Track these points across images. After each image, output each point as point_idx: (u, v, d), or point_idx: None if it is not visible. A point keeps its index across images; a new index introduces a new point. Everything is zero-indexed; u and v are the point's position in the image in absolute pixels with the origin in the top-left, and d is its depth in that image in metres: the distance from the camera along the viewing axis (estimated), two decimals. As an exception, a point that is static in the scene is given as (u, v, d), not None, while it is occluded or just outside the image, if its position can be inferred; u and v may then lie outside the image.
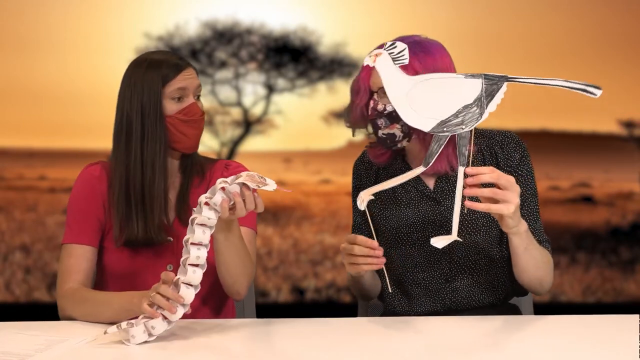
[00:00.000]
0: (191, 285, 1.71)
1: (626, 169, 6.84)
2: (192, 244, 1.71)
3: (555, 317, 1.87)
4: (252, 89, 6.65)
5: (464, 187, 1.72)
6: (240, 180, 1.70)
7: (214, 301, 2.10)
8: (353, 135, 2.06)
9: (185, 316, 2.05)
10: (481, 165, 2.02)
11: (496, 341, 1.74)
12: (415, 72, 1.86)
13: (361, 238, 1.84)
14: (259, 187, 1.70)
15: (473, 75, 1.70)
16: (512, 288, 2.07)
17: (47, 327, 1.86)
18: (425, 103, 1.70)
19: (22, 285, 5.78)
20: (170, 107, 2.00)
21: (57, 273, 2.06)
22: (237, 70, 6.61)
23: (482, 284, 2.03)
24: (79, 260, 2.01)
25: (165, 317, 1.71)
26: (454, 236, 1.73)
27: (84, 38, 6.48)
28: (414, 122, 1.72)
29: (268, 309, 5.53)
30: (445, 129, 1.69)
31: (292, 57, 6.55)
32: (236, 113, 6.66)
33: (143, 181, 1.99)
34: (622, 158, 6.90)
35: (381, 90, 1.92)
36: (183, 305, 1.70)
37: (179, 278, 1.71)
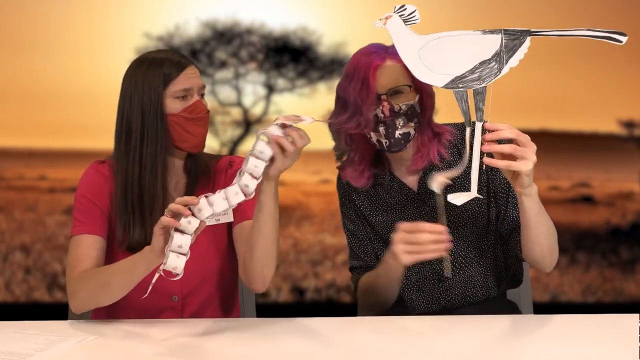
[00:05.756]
0: (226, 199, 1.71)
1: (626, 169, 6.83)
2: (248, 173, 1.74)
3: (555, 316, 1.87)
4: (252, 89, 6.64)
5: (482, 143, 1.70)
6: (277, 122, 1.72)
7: (214, 306, 2.08)
8: (339, 159, 2.09)
9: (186, 317, 2.05)
10: (456, 160, 2.03)
11: (496, 341, 1.74)
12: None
13: (427, 225, 1.81)
14: (296, 123, 1.72)
15: (492, 31, 1.69)
16: (505, 275, 2.08)
17: (47, 327, 1.85)
18: (438, 60, 1.70)
19: (22, 285, 5.77)
20: (174, 105, 1.96)
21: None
22: (237, 70, 6.61)
23: (474, 277, 2.04)
24: (87, 249, 1.96)
25: (182, 231, 1.69)
26: (473, 193, 1.72)
27: (84, 38, 6.47)
28: (427, 79, 1.71)
29: (268, 309, 5.52)
30: (460, 85, 1.69)
31: (292, 57, 6.54)
32: (236, 113, 6.65)
33: (141, 184, 1.96)
34: (622, 158, 6.89)
35: (391, 91, 1.93)
36: (199, 211, 1.69)
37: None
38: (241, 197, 1.72)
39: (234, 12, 6.38)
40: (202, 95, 2.01)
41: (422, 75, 1.71)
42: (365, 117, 1.95)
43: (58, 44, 6.46)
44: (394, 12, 1.73)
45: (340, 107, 1.99)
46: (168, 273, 1.70)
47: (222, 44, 6.50)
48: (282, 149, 1.74)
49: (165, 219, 1.70)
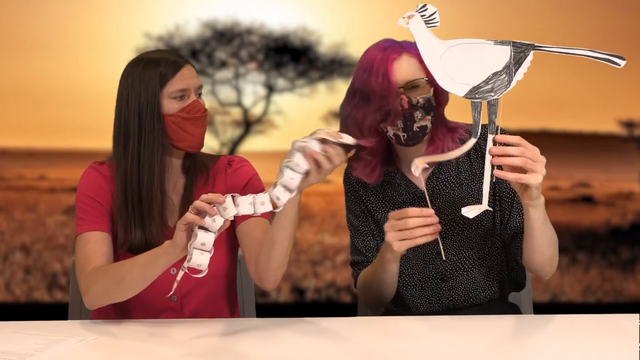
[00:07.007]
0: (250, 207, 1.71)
1: (626, 169, 6.83)
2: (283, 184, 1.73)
3: (555, 316, 1.87)
4: (252, 89, 6.64)
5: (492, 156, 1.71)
6: (317, 136, 1.70)
7: (214, 306, 2.08)
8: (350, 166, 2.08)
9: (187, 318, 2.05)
10: (464, 159, 2.03)
11: (496, 341, 1.74)
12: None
13: (413, 210, 1.82)
14: (337, 141, 1.71)
15: (502, 42, 1.69)
16: (508, 279, 2.08)
17: (47, 327, 1.85)
18: (458, 68, 1.70)
19: (22, 285, 5.76)
20: (172, 105, 1.96)
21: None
22: (237, 70, 6.60)
23: (477, 279, 2.04)
24: (97, 245, 1.96)
25: (205, 229, 1.68)
26: (484, 206, 1.72)
27: (84, 38, 6.47)
28: (449, 87, 1.71)
29: (268, 309, 5.53)
30: (477, 95, 1.69)
31: (292, 57, 6.54)
32: (236, 113, 6.65)
33: (140, 184, 1.96)
34: (622, 158, 6.88)
35: (408, 84, 1.93)
36: (224, 209, 1.68)
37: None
38: (268, 208, 1.72)
39: (234, 12, 6.38)
40: (200, 94, 2.00)
41: (445, 83, 1.72)
42: (393, 108, 1.92)
43: (58, 44, 6.45)
44: (416, 11, 1.72)
45: (362, 99, 1.95)
46: (192, 270, 1.70)
47: (222, 44, 6.50)
48: (318, 165, 1.74)
49: (189, 216, 1.69)
